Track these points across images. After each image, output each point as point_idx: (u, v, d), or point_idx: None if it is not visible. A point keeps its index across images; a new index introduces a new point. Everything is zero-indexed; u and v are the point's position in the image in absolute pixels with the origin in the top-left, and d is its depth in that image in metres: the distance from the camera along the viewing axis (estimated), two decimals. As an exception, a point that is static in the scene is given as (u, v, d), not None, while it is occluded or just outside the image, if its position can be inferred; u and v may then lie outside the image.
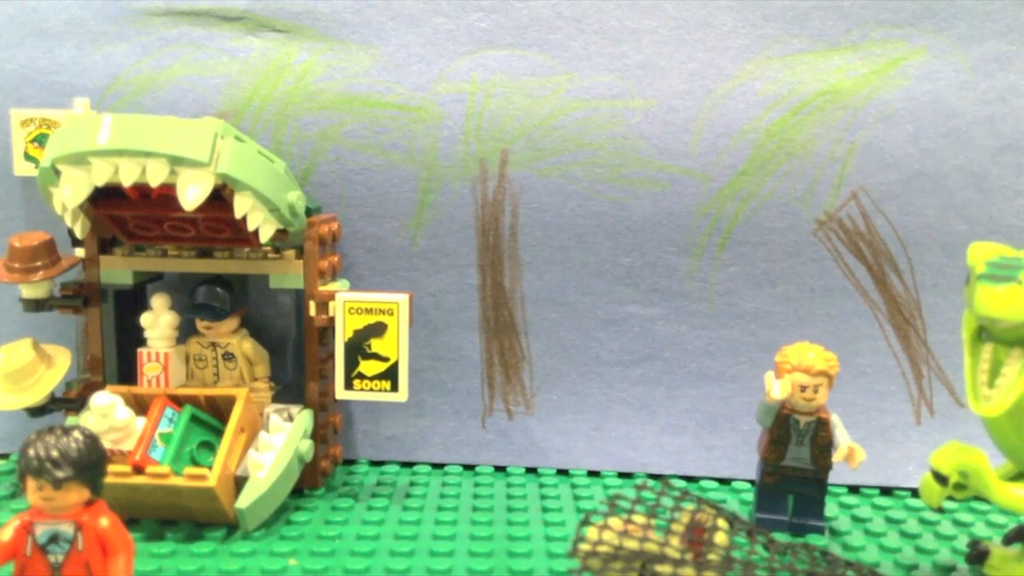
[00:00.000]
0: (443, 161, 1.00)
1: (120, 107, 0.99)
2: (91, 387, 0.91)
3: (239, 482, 0.84)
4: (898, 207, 0.99)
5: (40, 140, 0.97)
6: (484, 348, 1.03)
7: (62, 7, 1.00)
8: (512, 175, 1.00)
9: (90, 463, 0.63)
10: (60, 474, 0.61)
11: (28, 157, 0.98)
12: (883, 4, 0.98)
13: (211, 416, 0.89)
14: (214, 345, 0.93)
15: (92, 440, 0.63)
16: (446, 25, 1.00)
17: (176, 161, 0.78)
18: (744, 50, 1.00)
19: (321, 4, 1.00)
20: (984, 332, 0.70)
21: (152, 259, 0.92)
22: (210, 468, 0.82)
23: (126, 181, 0.79)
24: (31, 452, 0.61)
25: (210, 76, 1.00)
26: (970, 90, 0.98)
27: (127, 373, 0.93)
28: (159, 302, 0.92)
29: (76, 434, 0.63)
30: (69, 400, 0.92)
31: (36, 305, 0.90)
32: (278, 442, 0.87)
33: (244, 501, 0.82)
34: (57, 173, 0.81)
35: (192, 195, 0.79)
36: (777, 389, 0.84)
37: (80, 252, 0.93)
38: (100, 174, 0.79)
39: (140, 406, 0.87)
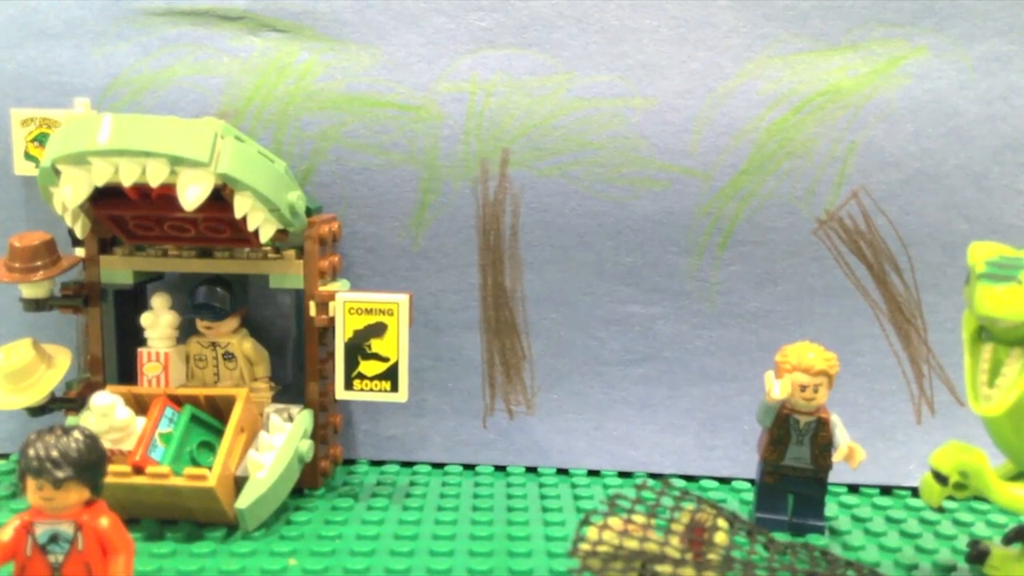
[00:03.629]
0: (444, 161, 1.00)
1: (120, 107, 0.99)
2: (91, 387, 0.91)
3: (239, 482, 0.84)
4: (899, 206, 0.99)
5: (40, 140, 0.97)
6: (485, 348, 1.03)
7: (62, 7, 1.00)
8: (513, 175, 1.00)
9: (90, 463, 0.63)
10: (60, 474, 0.61)
11: (28, 156, 0.98)
12: (884, 3, 0.98)
13: (211, 416, 0.89)
14: (214, 345, 0.93)
15: (92, 440, 0.63)
16: (447, 24, 1.00)
17: (176, 161, 0.78)
18: (745, 49, 1.00)
19: (321, 4, 1.00)
20: (984, 332, 0.70)
21: (152, 259, 0.92)
22: (210, 468, 0.82)
23: (126, 181, 0.79)
24: (31, 452, 0.62)
25: (210, 76, 1.00)
26: (971, 89, 0.98)
27: (127, 373, 0.93)
28: (159, 302, 0.92)
29: (76, 434, 0.63)
30: (69, 400, 0.92)
31: (36, 305, 0.90)
32: (278, 442, 0.87)
33: (244, 501, 0.82)
34: (57, 173, 0.81)
35: (192, 195, 0.79)
36: (777, 389, 0.84)
37: (80, 252, 0.93)
38: (100, 174, 0.79)
39: (140, 406, 0.87)
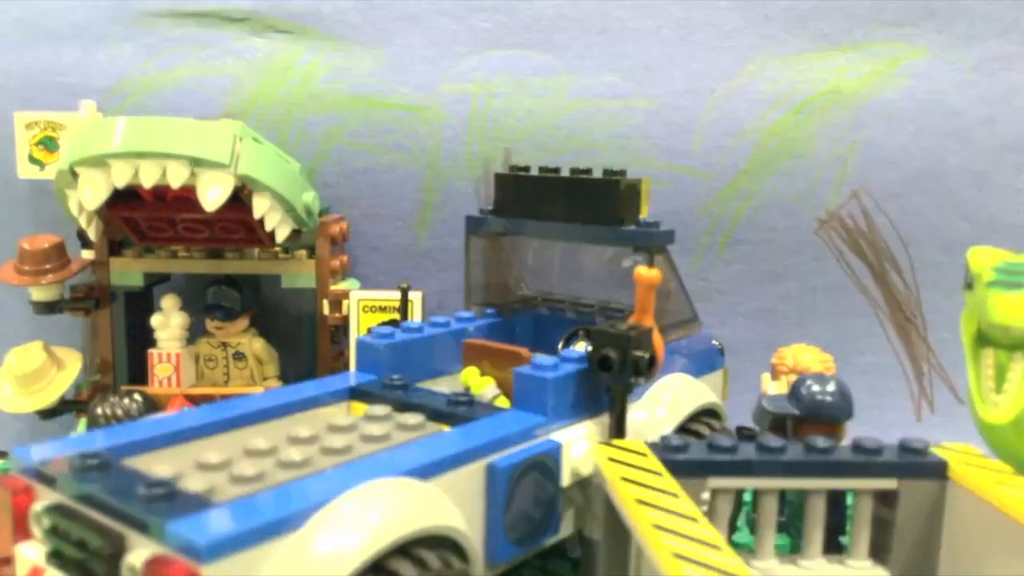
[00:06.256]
0: (446, 161, 1.01)
1: (125, 108, 0.99)
2: (101, 388, 0.91)
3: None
4: (899, 206, 1.00)
5: (46, 143, 0.95)
6: (489, 347, 1.03)
7: (68, 9, 1.00)
8: (516, 175, 1.01)
9: None
10: None
11: (33, 160, 0.96)
12: (884, 4, 0.99)
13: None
14: (224, 345, 0.93)
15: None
16: (450, 26, 1.01)
17: (197, 163, 0.78)
18: (746, 50, 1.00)
19: (325, 5, 1.00)
20: (982, 336, 0.70)
21: (162, 260, 0.92)
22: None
23: (146, 183, 0.78)
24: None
25: (215, 77, 1.00)
26: (971, 89, 0.99)
27: (137, 374, 0.93)
28: (169, 303, 0.92)
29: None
30: (79, 402, 0.91)
31: (47, 308, 0.90)
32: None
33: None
34: (75, 176, 0.80)
35: (213, 196, 0.78)
36: (773, 390, 0.84)
37: (88, 254, 0.93)
38: (120, 176, 0.78)
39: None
